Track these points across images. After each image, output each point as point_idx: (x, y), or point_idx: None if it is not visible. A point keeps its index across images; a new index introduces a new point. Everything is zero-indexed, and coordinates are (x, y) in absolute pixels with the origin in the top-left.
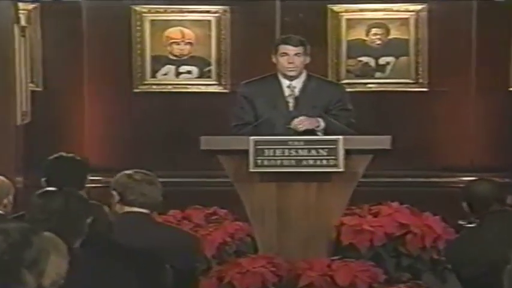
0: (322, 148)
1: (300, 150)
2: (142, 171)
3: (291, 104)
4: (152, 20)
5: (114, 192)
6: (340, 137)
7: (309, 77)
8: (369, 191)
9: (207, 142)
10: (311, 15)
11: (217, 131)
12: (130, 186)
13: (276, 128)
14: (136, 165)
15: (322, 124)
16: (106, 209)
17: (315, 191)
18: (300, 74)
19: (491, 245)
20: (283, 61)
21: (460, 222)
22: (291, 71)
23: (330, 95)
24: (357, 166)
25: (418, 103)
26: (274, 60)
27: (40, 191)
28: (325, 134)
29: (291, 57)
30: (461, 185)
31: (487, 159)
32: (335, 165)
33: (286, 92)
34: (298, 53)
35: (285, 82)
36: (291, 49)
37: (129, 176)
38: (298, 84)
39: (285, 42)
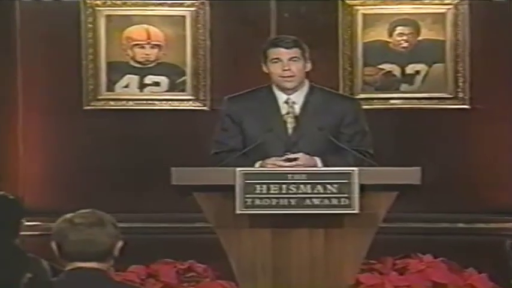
0: (331, 183)
1: (302, 186)
2: (88, 211)
3: (289, 125)
4: (108, 16)
5: (53, 244)
6: (355, 168)
7: (312, 89)
8: (392, 239)
9: (181, 175)
10: (317, 9)
11: (194, 160)
12: (65, 234)
13: (270, 157)
14: (86, 207)
15: (319, 165)
16: (45, 264)
17: (322, 239)
18: (300, 85)
19: None
20: (275, 69)
21: None
22: (287, 81)
23: (340, 113)
24: (376, 207)
25: (457, 124)
26: (265, 69)
27: None
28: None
29: (285, 63)
30: None
31: None
32: (348, 206)
33: (284, 109)
34: (294, 57)
35: (282, 96)
36: (283, 52)
37: (68, 220)
38: (298, 98)
39: (275, 44)
